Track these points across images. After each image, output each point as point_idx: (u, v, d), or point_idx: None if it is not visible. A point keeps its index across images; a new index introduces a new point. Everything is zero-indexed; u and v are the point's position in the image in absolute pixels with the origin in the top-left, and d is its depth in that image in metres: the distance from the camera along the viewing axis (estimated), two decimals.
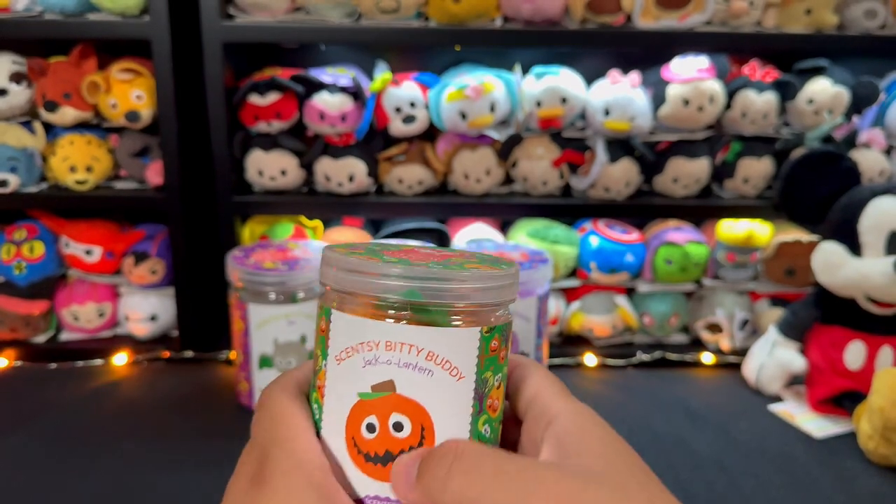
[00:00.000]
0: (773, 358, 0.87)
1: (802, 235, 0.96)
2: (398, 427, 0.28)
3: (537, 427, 0.29)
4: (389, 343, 0.28)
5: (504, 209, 0.97)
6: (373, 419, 0.28)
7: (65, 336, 1.00)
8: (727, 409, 0.85)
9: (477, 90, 0.87)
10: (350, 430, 0.28)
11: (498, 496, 0.25)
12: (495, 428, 0.30)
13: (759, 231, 0.95)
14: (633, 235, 0.98)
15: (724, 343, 0.98)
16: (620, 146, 0.94)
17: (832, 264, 0.81)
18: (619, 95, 0.90)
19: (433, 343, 0.28)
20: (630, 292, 1.02)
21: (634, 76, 0.93)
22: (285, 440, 0.28)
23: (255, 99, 0.91)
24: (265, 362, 0.80)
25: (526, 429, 0.30)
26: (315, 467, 0.28)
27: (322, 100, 0.91)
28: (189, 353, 0.97)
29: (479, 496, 0.25)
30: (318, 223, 1.03)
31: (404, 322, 0.28)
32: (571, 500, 0.24)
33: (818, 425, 0.81)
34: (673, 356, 0.97)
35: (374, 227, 1.05)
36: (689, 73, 0.90)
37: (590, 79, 0.95)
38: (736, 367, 0.94)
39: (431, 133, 0.97)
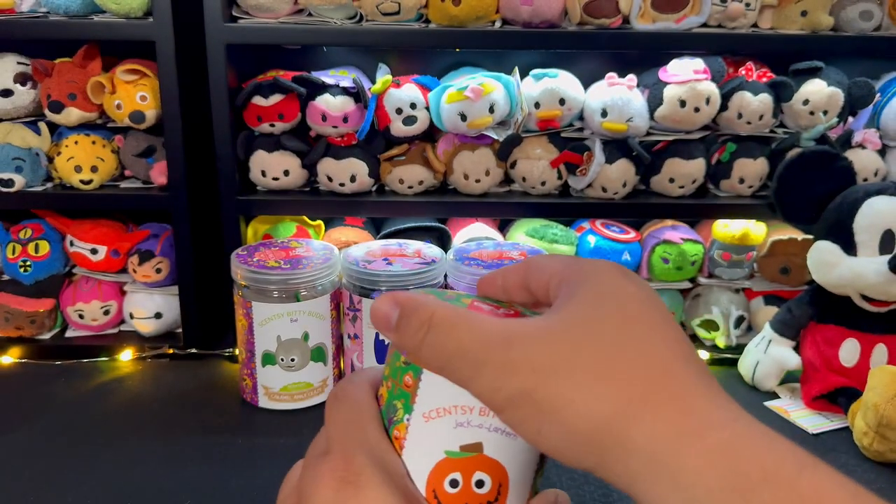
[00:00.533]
0: (769, 355, 0.88)
1: (797, 234, 0.97)
2: (480, 484, 0.30)
3: (555, 295, 0.30)
4: (484, 409, 0.29)
5: (503, 208, 0.98)
6: (457, 475, 0.30)
7: (70, 333, 1.01)
8: None
9: (476, 91, 0.88)
10: (432, 483, 0.30)
11: (458, 366, 0.27)
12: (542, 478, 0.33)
13: (754, 230, 0.96)
14: (630, 235, 0.99)
15: (720, 340, 0.99)
16: (618, 147, 0.95)
17: (827, 263, 0.82)
18: (616, 97, 0.92)
19: None
20: None
21: (631, 78, 0.94)
22: (370, 445, 0.30)
23: (259, 100, 0.92)
24: (268, 359, 0.81)
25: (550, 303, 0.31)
26: (400, 476, 0.29)
27: (324, 101, 0.92)
28: (193, 350, 0.98)
29: (444, 366, 0.27)
30: (320, 223, 1.04)
31: None
32: (522, 362, 0.25)
33: (813, 422, 0.82)
34: None
35: (375, 226, 1.06)
36: (686, 74, 0.91)
37: (587, 80, 0.97)
38: (732, 363, 0.95)
39: (432, 133, 0.98)
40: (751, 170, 0.96)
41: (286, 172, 0.96)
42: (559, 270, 0.30)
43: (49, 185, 0.97)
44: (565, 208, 0.98)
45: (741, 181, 0.97)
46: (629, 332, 0.26)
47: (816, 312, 0.86)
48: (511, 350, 0.26)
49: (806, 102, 0.95)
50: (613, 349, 0.25)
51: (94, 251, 0.97)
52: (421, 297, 0.29)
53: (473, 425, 0.29)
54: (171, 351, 0.98)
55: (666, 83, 0.92)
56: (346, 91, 0.93)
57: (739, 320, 1.00)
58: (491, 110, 0.91)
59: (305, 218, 1.03)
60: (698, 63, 0.92)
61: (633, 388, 0.24)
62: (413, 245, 0.90)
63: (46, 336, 1.01)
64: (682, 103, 0.91)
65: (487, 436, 0.30)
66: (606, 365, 0.25)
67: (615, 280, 0.28)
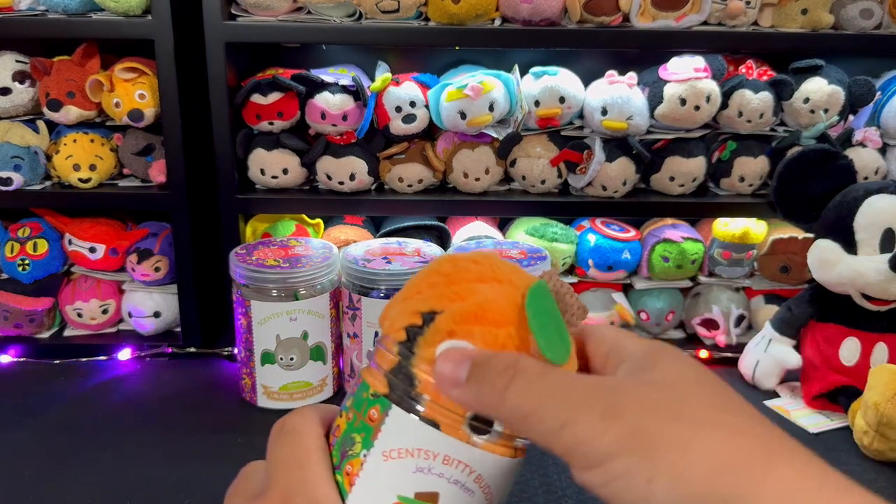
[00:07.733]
0: (769, 354, 0.88)
1: (797, 232, 0.97)
2: None
3: (616, 365, 0.30)
4: (448, 458, 0.28)
5: (503, 207, 0.98)
6: None
7: (69, 332, 1.01)
8: None
9: (476, 90, 0.88)
10: None
11: (552, 410, 0.25)
12: None
13: (754, 228, 0.96)
14: (630, 233, 0.99)
15: (721, 339, 0.99)
16: (618, 145, 0.95)
17: (827, 261, 0.82)
18: (616, 95, 0.91)
19: (486, 468, 0.29)
20: (627, 289, 1.03)
21: (632, 76, 0.94)
22: (310, 487, 0.28)
23: (258, 98, 0.92)
24: (267, 358, 0.81)
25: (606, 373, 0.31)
26: None
27: (323, 99, 0.92)
28: (192, 349, 0.98)
29: (535, 409, 0.26)
30: (319, 221, 1.04)
31: (475, 444, 0.28)
32: (628, 403, 0.25)
33: (813, 421, 0.82)
34: None
35: (375, 224, 1.06)
36: (686, 72, 0.91)
37: (587, 78, 0.96)
38: (732, 362, 0.95)
39: (431, 132, 0.98)
40: (751, 168, 0.96)
41: (285, 171, 0.95)
42: (624, 345, 0.30)
43: (47, 183, 0.96)
44: (565, 207, 0.98)
45: (741, 179, 0.97)
46: (722, 394, 0.26)
47: (817, 311, 0.86)
48: (614, 392, 0.25)
49: (806, 101, 0.94)
50: (718, 404, 0.25)
51: (92, 250, 0.96)
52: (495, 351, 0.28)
53: (434, 473, 0.28)
54: (169, 350, 0.98)
55: (666, 81, 0.92)
56: (345, 89, 0.93)
57: (740, 319, 1.00)
58: (490, 108, 0.90)
59: (304, 216, 1.02)
60: (698, 61, 0.92)
61: (755, 439, 0.24)
62: (412, 244, 0.90)
63: (45, 335, 1.00)
64: (683, 101, 0.91)
65: (446, 487, 0.28)
66: (718, 416, 0.25)
67: (681, 354, 0.29)
